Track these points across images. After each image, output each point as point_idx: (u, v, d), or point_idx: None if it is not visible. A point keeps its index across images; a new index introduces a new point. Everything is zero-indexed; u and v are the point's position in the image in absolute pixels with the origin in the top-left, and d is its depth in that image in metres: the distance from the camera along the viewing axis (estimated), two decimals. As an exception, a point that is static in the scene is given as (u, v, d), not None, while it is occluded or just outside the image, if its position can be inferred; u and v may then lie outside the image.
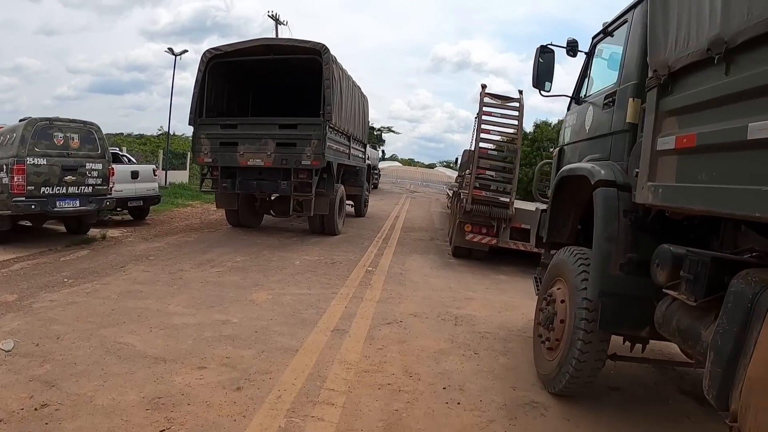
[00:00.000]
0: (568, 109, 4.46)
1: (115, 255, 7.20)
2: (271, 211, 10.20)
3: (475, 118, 8.51)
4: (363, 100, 11.95)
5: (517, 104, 8.28)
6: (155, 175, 11.51)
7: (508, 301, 6.04)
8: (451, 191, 18.19)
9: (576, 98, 4.25)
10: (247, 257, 7.38)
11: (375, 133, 21.00)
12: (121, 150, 13.90)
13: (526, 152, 18.97)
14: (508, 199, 7.94)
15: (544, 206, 4.76)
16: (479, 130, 8.06)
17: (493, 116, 8.17)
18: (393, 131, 62.31)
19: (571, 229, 4.02)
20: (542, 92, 4.13)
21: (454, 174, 35.57)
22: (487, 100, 8.23)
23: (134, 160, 12.43)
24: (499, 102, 8.29)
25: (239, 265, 6.84)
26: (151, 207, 11.30)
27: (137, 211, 11.21)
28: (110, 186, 8.36)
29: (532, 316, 5.38)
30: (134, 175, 10.53)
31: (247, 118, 9.07)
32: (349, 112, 10.23)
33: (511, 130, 8.22)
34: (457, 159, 24.84)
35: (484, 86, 8.27)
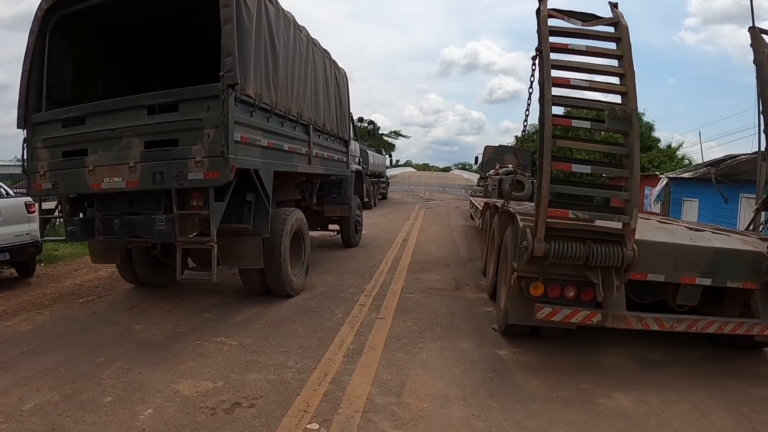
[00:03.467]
0: None
1: None
2: (190, 261, 6.08)
3: (533, 60, 4.18)
4: (334, 73, 7.65)
5: (612, 28, 4.04)
6: (30, 213, 7.52)
7: None
8: (476, 197, 13.95)
9: None
10: (54, 395, 3.24)
11: (364, 125, 16.37)
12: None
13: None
14: (620, 224, 3.65)
15: None
16: (546, 81, 3.77)
17: (572, 52, 3.93)
18: (402, 135, 59.01)
19: None
20: None
21: (471, 176, 32.21)
22: (554, 23, 3.98)
23: (12, 193, 8.42)
24: (578, 25, 4.05)
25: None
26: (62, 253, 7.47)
27: (19, 265, 7.52)
28: None
29: None
30: (-9, 215, 6.68)
31: (97, 103, 4.91)
32: (301, 82, 5.97)
33: (611, 78, 3.95)
34: (477, 158, 21.03)
35: (543, -3, 4.02)
